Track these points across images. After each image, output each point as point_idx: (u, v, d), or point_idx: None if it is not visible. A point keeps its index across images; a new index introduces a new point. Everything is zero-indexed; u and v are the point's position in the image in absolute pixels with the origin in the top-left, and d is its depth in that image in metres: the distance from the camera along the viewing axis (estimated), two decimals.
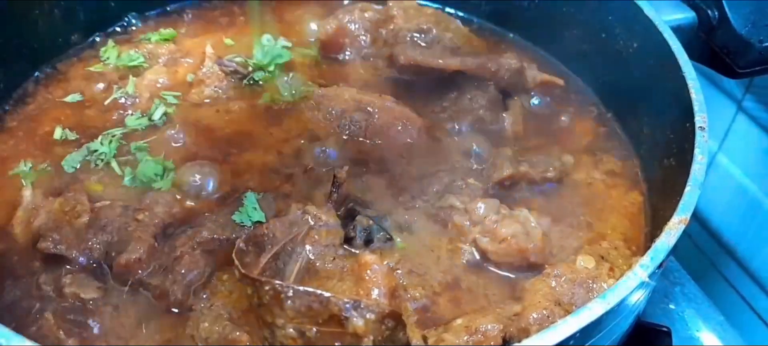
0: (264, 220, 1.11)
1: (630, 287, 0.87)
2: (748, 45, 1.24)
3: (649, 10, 1.26)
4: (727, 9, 1.26)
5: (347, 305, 0.89)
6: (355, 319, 0.88)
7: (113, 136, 1.27)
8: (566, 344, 0.82)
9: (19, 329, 0.83)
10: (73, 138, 1.27)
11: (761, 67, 1.26)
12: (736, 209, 1.65)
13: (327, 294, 0.90)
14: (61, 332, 0.97)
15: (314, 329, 0.90)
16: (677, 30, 1.24)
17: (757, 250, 1.63)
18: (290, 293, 0.90)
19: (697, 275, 1.52)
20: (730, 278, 1.71)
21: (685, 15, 1.31)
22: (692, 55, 1.19)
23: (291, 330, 0.91)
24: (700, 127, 1.08)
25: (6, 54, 1.31)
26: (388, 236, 1.12)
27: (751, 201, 1.61)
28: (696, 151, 1.05)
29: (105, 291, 1.04)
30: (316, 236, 1.08)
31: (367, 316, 0.89)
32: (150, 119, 1.30)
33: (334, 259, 1.05)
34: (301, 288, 0.91)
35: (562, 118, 1.40)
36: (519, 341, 0.82)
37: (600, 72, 1.40)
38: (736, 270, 1.69)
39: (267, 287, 0.92)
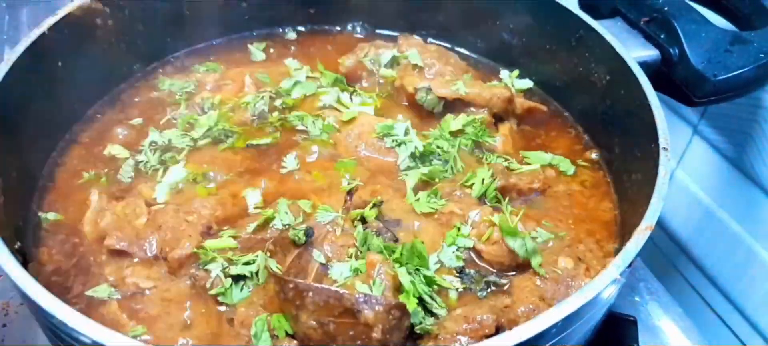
0: (292, 223, 1.11)
1: (604, 282, 0.87)
2: (703, 79, 1.22)
3: (619, 49, 1.25)
4: (686, 48, 1.25)
5: (359, 299, 0.88)
6: (366, 311, 0.88)
7: (157, 147, 1.27)
8: (550, 331, 0.82)
9: (88, 313, 0.83)
10: (125, 155, 1.26)
11: (715, 97, 1.25)
12: (692, 217, 1.64)
13: (341, 291, 0.90)
14: (123, 315, 0.97)
15: (331, 321, 0.90)
16: (643, 65, 1.24)
17: (709, 252, 1.62)
18: (310, 291, 0.90)
19: (658, 272, 1.51)
20: (687, 275, 1.70)
21: (650, 52, 1.29)
22: (656, 87, 1.19)
23: (312, 322, 0.90)
24: (664, 147, 1.07)
25: (80, 79, 1.30)
26: (394, 238, 1.11)
27: (705, 210, 1.61)
28: (660, 168, 1.04)
29: (160, 281, 1.04)
30: (333, 239, 1.08)
31: (376, 308, 0.88)
32: (192, 138, 1.29)
33: (349, 258, 1.05)
34: (319, 286, 0.91)
35: (545, 138, 1.40)
36: (509, 329, 0.81)
37: (577, 100, 1.40)
38: (691, 269, 1.68)
39: (291, 285, 0.92)
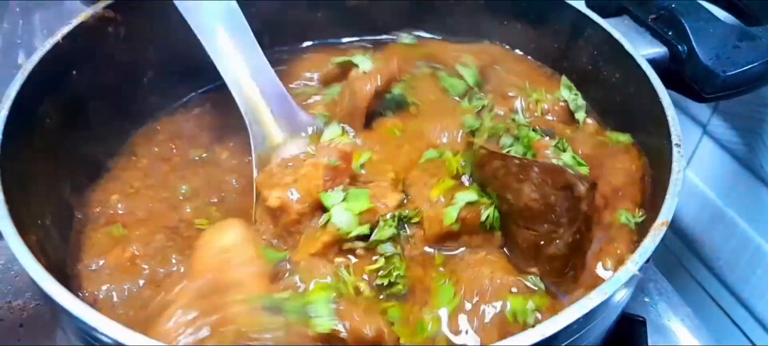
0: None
1: (623, 279, 0.85)
2: (713, 75, 1.22)
3: (628, 46, 1.24)
4: (694, 44, 1.24)
5: (577, 176, 0.97)
6: (580, 186, 0.97)
7: None
8: (567, 330, 0.80)
9: None
10: None
11: (724, 94, 1.24)
12: (702, 216, 1.64)
13: (565, 167, 0.99)
14: None
15: (553, 193, 0.98)
16: (652, 62, 1.22)
17: (719, 251, 1.61)
18: (536, 166, 0.99)
19: (668, 273, 1.50)
20: (697, 275, 1.69)
21: (658, 50, 1.28)
22: (665, 84, 1.17)
23: (535, 194, 0.99)
24: (676, 144, 1.06)
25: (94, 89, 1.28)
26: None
27: (715, 210, 1.60)
28: (673, 164, 1.02)
29: None
30: None
31: (586, 185, 0.97)
32: None
33: None
34: (545, 162, 1.01)
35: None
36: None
37: (587, 97, 1.37)
38: (701, 269, 1.67)
39: (516, 161, 1.01)
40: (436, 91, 1.38)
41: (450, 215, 1.04)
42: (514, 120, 1.26)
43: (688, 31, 1.26)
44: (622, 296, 0.94)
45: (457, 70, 1.39)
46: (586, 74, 1.35)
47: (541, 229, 1.00)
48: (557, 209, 0.98)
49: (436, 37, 1.56)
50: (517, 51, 1.51)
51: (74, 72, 1.21)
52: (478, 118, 1.28)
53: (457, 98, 1.37)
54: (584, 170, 1.11)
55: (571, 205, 0.97)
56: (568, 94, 1.33)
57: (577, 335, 0.84)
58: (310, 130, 1.26)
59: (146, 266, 1.08)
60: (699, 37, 1.25)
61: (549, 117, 1.32)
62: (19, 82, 1.07)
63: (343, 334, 0.85)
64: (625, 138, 1.21)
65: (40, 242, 1.00)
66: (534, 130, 1.20)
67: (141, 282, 1.06)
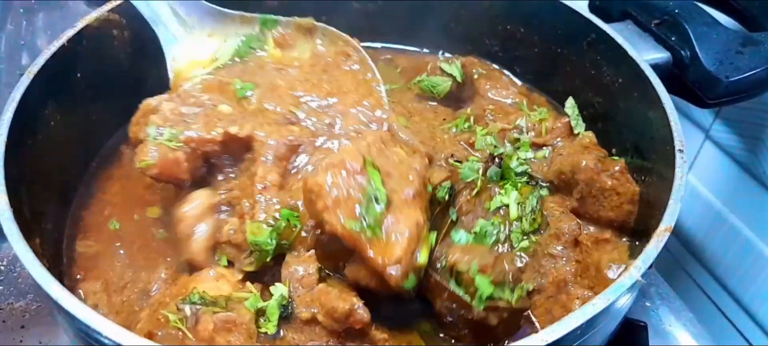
0: None
1: (626, 285, 0.85)
2: (716, 80, 1.21)
3: (631, 51, 1.23)
4: (697, 50, 1.24)
5: (487, 311, 0.95)
6: (491, 321, 0.96)
7: None
8: (575, 332, 0.80)
9: None
10: None
11: (727, 99, 1.24)
12: (704, 221, 1.63)
13: (473, 305, 0.95)
14: None
15: (461, 318, 0.99)
16: (655, 67, 1.22)
17: (720, 256, 1.61)
18: (446, 291, 0.97)
19: (669, 277, 1.50)
20: (699, 280, 1.68)
21: (661, 55, 1.28)
22: (668, 89, 1.17)
23: (443, 308, 0.99)
24: (679, 149, 1.06)
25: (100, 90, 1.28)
26: None
27: (716, 215, 1.59)
28: (676, 170, 1.02)
29: None
30: (468, 197, 1.14)
31: (502, 316, 0.96)
32: None
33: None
34: (454, 292, 0.96)
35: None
36: None
37: (590, 103, 1.37)
38: (703, 274, 1.66)
39: (433, 279, 0.99)
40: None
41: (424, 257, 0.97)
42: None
43: (692, 36, 1.26)
44: (625, 301, 0.94)
45: (441, 67, 1.38)
46: (589, 79, 1.35)
47: (450, 333, 1.03)
48: (462, 324, 1.00)
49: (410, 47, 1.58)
50: (506, 71, 1.51)
51: (79, 74, 1.21)
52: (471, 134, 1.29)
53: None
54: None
55: (482, 328, 0.98)
56: (571, 112, 1.30)
57: (579, 341, 0.84)
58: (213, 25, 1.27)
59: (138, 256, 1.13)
60: (702, 42, 1.25)
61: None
62: (23, 86, 1.07)
63: (319, 316, 0.95)
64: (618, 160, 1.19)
65: (42, 244, 1.01)
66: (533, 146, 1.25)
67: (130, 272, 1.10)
